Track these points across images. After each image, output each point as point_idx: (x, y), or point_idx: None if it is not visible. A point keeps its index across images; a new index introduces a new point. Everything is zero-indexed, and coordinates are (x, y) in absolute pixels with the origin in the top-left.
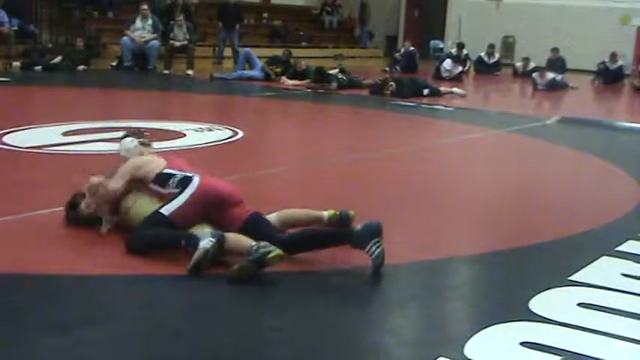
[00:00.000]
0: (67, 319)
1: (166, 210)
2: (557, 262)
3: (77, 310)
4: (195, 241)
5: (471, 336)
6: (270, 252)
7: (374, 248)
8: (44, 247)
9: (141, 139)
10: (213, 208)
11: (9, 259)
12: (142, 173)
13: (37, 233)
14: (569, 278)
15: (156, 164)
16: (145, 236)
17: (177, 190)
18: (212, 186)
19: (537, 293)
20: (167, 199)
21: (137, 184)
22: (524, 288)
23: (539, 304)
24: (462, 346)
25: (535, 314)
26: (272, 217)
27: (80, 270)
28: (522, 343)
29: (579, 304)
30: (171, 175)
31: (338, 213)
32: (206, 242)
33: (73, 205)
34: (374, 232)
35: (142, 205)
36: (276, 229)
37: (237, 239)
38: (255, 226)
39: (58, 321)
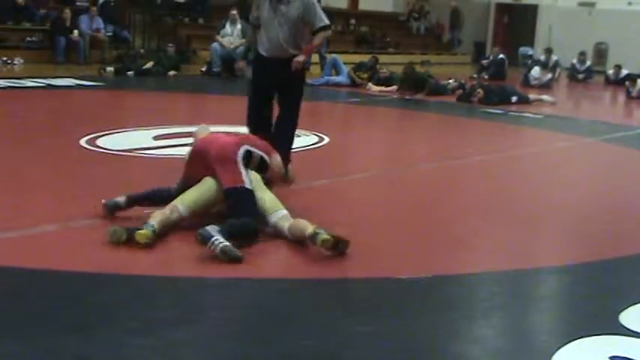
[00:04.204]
0: (156, 320)
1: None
2: None
3: (166, 311)
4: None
5: (559, 348)
6: (139, 229)
7: (216, 243)
8: (136, 247)
9: None
10: (201, 163)
11: (102, 259)
12: None
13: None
14: None
15: None
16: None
17: None
18: (201, 141)
19: (629, 306)
20: None
21: None
22: (615, 300)
23: (630, 317)
24: (549, 359)
25: (626, 328)
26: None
27: (171, 271)
28: (612, 358)
29: None
30: None
31: (331, 238)
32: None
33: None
34: (224, 231)
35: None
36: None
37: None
38: (227, 199)
39: (147, 321)
